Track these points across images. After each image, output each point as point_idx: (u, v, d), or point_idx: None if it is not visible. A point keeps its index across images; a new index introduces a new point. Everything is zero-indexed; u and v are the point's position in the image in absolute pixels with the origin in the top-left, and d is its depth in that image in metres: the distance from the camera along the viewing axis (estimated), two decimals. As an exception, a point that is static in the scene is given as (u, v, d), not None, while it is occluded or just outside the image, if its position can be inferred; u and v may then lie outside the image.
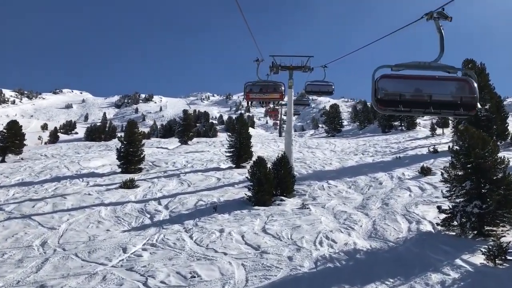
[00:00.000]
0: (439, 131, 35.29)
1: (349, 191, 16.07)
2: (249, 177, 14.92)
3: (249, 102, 14.98)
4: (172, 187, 17.83)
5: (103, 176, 21.42)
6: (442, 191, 11.53)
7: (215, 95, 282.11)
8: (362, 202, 14.40)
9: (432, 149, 22.57)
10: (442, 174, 11.42)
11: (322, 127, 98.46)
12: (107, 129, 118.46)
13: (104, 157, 27.70)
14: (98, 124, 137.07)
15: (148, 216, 13.72)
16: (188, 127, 39.40)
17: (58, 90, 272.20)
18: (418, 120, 44.15)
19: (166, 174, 21.12)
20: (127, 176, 19.47)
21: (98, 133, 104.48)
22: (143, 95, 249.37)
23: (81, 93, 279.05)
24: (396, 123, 44.41)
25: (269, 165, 15.74)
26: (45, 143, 68.51)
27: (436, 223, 11.09)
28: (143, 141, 24.37)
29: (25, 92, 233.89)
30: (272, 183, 14.89)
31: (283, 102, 63.92)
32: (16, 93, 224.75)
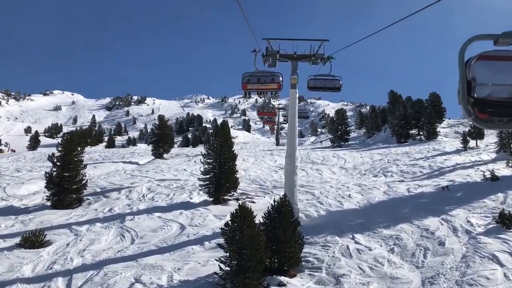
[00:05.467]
0: (471, 142, 28.74)
1: (393, 260, 9.59)
2: (223, 245, 8.44)
3: (246, 93, 13.74)
4: (105, 244, 11.23)
5: (20, 213, 14.85)
6: None
7: (210, 97, 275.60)
8: (424, 291, 7.99)
9: (490, 175, 16.11)
10: None
11: (322, 132, 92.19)
12: (94, 133, 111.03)
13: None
14: (85, 127, 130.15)
15: (33, 322, 7.25)
16: (164, 137, 32.04)
17: (48, 92, 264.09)
18: (437, 128, 37.53)
19: (109, 213, 14.46)
20: (52, 217, 13.06)
21: (84, 137, 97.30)
22: (135, 97, 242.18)
23: (72, 94, 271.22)
24: (413, 131, 37.81)
25: (261, 204, 9.34)
26: (13, 151, 61.58)
27: None
28: (107, 151, 17.78)
29: (12, 93, 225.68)
30: (264, 251, 8.44)
31: (280, 106, 58.22)
32: (3, 94, 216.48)
